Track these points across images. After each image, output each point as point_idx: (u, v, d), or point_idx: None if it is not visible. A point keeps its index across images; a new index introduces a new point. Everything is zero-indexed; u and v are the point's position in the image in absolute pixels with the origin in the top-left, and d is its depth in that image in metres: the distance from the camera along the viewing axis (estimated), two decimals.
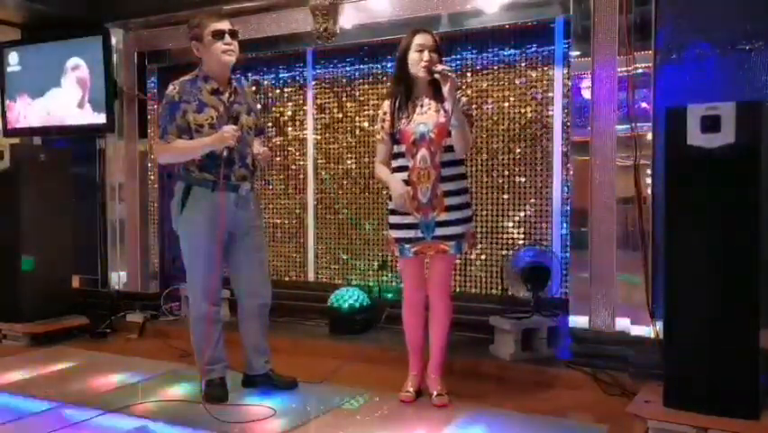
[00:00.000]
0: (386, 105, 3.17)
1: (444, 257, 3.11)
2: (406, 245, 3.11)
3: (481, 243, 4.27)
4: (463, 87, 4.22)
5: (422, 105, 3.08)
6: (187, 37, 3.21)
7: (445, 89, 2.93)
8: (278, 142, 4.99)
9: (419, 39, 3.03)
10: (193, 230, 3.17)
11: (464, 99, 3.08)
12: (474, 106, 4.23)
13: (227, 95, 3.19)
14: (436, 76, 2.95)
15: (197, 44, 3.16)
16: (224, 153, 3.06)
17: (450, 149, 3.05)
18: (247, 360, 3.41)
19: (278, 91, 5.00)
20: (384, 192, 3.22)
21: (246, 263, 3.30)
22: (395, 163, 3.14)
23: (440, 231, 3.06)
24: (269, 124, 4.94)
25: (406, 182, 3.06)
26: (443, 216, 3.05)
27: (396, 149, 3.14)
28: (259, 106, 3.53)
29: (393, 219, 3.16)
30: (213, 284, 3.20)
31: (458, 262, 4.30)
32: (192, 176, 3.15)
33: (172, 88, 3.15)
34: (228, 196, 3.15)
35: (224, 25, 3.14)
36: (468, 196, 3.16)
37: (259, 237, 3.36)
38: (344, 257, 4.79)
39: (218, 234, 3.12)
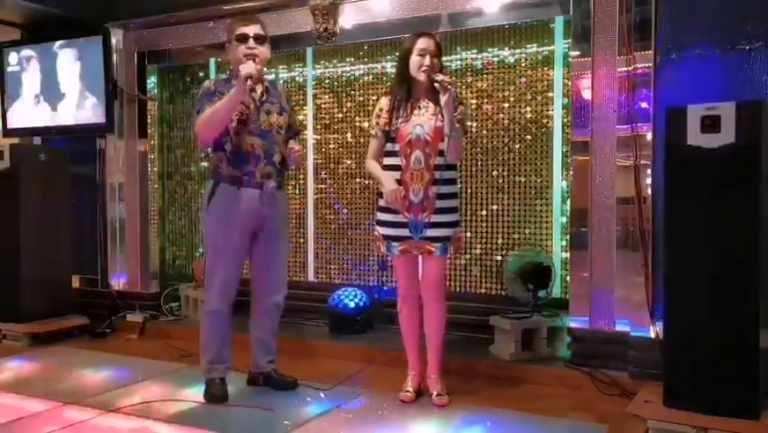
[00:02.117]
0: (384, 101, 3.17)
1: (436, 257, 3.11)
2: (394, 243, 3.13)
3: (482, 243, 4.27)
4: (461, 89, 4.22)
5: (420, 108, 3.09)
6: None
7: (443, 99, 2.95)
8: None
9: (422, 43, 3.03)
10: (217, 227, 3.19)
11: (461, 108, 3.09)
12: (474, 106, 4.24)
13: (259, 93, 3.19)
14: (436, 85, 2.97)
15: (228, 46, 3.21)
16: (249, 82, 2.96)
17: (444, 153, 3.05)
18: (253, 357, 3.42)
19: None
20: (379, 191, 3.23)
21: (267, 264, 3.30)
22: (387, 161, 3.15)
23: (429, 232, 3.07)
24: None
25: (399, 182, 3.07)
26: (433, 218, 3.06)
27: (389, 147, 3.14)
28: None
29: (382, 216, 3.17)
30: (231, 282, 3.21)
31: (458, 262, 4.30)
32: (220, 173, 3.17)
33: (208, 82, 3.23)
34: (252, 193, 3.15)
35: (250, 30, 3.13)
36: (458, 200, 3.18)
37: (283, 237, 3.37)
38: (344, 257, 4.80)
39: (235, 233, 3.14)
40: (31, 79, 5.24)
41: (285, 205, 3.40)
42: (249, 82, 2.98)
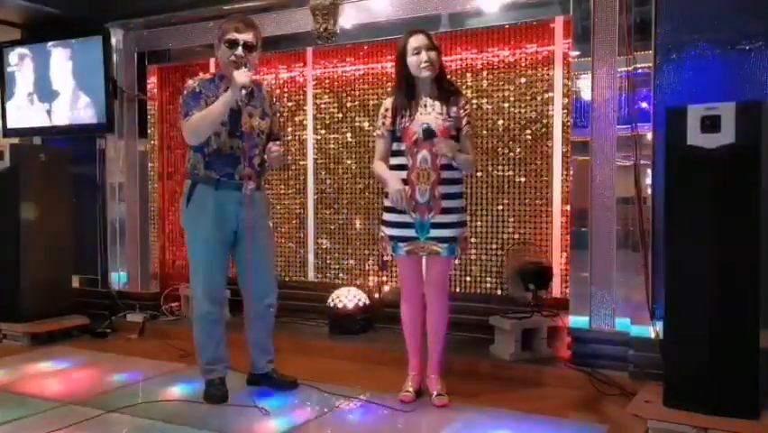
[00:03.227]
0: (388, 101, 3.17)
1: (440, 258, 3.11)
2: (400, 244, 3.12)
3: (482, 243, 4.27)
4: (462, 88, 4.22)
5: (425, 106, 3.09)
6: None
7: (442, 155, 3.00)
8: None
9: (414, 42, 3.04)
10: (196, 228, 3.18)
11: (470, 113, 3.13)
12: (474, 106, 4.23)
13: (242, 95, 3.15)
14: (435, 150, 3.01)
15: (217, 45, 3.17)
16: (243, 93, 2.99)
17: None
18: (251, 359, 3.42)
19: (278, 91, 5.00)
20: (384, 192, 3.24)
21: (252, 263, 3.27)
22: (393, 161, 3.14)
23: (434, 232, 3.06)
24: None
25: (405, 181, 3.06)
26: (439, 219, 3.06)
27: (395, 146, 3.14)
28: (278, 113, 3.47)
29: (388, 217, 3.16)
30: (215, 283, 3.21)
31: (458, 262, 4.30)
32: (198, 174, 3.16)
33: (192, 82, 3.17)
34: (230, 194, 3.15)
35: (241, 37, 3.08)
36: (464, 201, 3.18)
37: (265, 237, 3.34)
38: (344, 257, 4.80)
39: (214, 234, 3.13)
40: (25, 78, 5.24)
41: (265, 206, 3.38)
42: (243, 92, 2.98)
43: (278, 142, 3.26)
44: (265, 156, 3.21)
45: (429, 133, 2.99)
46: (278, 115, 3.51)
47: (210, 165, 3.13)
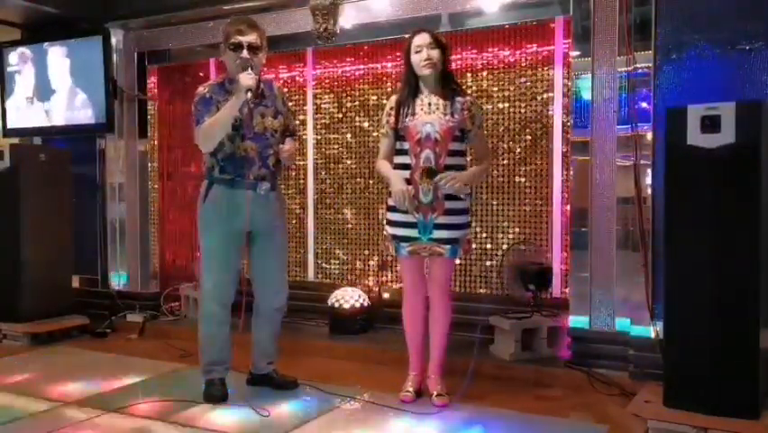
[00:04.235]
0: (393, 100, 3.17)
1: (443, 259, 3.11)
2: (403, 244, 3.12)
3: (482, 243, 4.27)
4: (465, 88, 4.21)
5: (430, 104, 3.08)
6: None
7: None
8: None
9: (417, 40, 3.05)
10: (209, 227, 3.18)
11: (474, 113, 3.10)
12: None
13: (251, 96, 3.12)
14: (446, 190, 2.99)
15: (222, 49, 3.15)
16: (249, 95, 2.96)
17: (455, 153, 3.06)
18: (252, 359, 3.41)
19: None
20: (385, 191, 3.23)
21: (265, 265, 3.28)
22: (397, 160, 3.13)
23: (437, 233, 3.05)
24: None
25: (408, 181, 3.06)
26: (442, 219, 3.05)
27: (399, 145, 3.13)
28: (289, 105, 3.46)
29: (392, 216, 3.16)
30: (224, 284, 3.20)
31: (458, 262, 4.30)
32: (213, 175, 3.16)
33: (203, 89, 3.16)
34: (245, 193, 3.14)
35: (245, 39, 3.06)
36: (468, 202, 3.15)
37: (280, 239, 3.33)
38: (344, 257, 4.80)
39: (227, 233, 3.13)
40: (24, 78, 5.24)
41: (280, 206, 3.34)
42: (248, 95, 2.97)
43: (291, 139, 3.26)
44: (279, 151, 3.19)
45: (432, 173, 2.98)
46: (291, 111, 3.50)
47: (224, 169, 3.13)
